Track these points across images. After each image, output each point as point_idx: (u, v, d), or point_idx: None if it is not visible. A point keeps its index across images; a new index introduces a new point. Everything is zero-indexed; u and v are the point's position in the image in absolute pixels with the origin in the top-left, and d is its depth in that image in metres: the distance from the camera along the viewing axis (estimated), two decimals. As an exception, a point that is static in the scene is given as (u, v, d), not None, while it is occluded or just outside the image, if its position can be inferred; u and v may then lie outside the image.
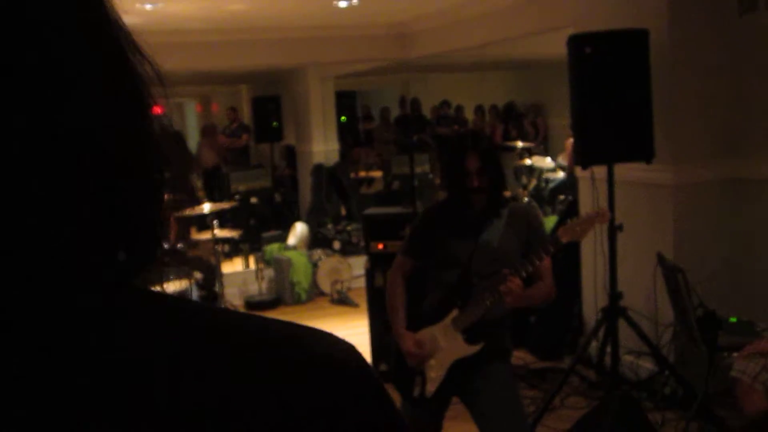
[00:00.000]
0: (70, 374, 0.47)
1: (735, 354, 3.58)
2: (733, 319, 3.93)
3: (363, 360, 0.56)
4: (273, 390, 0.51)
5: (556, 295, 2.99)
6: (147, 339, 0.50)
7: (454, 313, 2.89)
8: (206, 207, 5.88)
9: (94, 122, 0.48)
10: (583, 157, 4.10)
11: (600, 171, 4.16)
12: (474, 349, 2.86)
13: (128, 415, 0.47)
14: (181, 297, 0.56)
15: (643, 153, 4.04)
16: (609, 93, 3.96)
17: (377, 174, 11.20)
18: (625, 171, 4.25)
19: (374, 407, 0.55)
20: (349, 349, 0.56)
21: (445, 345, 2.89)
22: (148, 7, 6.42)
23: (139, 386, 0.48)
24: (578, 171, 4.77)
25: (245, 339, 0.53)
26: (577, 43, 4.01)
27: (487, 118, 13.92)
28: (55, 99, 0.46)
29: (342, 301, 7.15)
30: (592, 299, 4.67)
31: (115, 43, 0.51)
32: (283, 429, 0.50)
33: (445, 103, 14.08)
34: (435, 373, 2.90)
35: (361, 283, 5.64)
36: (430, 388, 2.89)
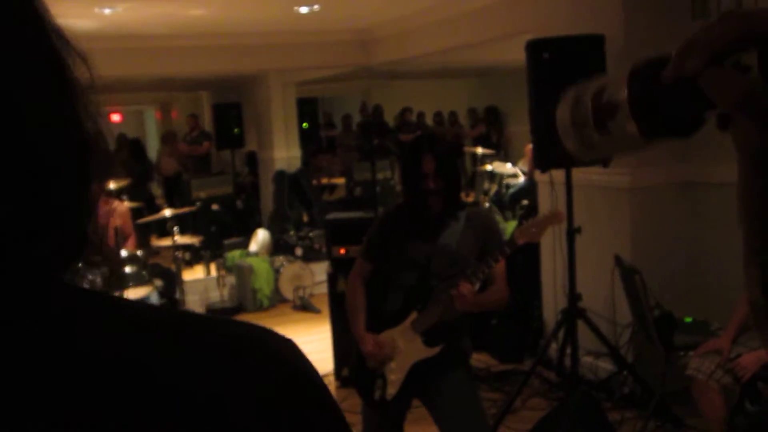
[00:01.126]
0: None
1: (691, 353, 3.65)
2: (689, 319, 4.01)
3: (302, 356, 0.56)
4: (222, 386, 0.50)
5: (509, 299, 3.01)
6: (79, 334, 0.49)
7: (413, 315, 2.90)
8: (167, 213, 5.83)
9: (18, 113, 0.47)
10: (542, 160, 4.15)
11: (559, 175, 4.21)
12: (433, 351, 2.87)
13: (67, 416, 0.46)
14: (115, 295, 0.56)
15: (601, 157, 4.10)
16: (567, 97, 4.01)
17: (339, 181, 11.21)
18: (583, 174, 4.31)
19: (319, 405, 0.55)
20: (289, 346, 0.56)
21: (404, 347, 2.90)
22: (107, 11, 6.35)
23: (77, 384, 0.47)
24: (537, 175, 4.83)
25: (189, 334, 0.53)
26: (535, 48, 4.07)
27: (446, 125, 14.06)
28: None
29: (304, 307, 7.13)
30: (552, 301, 4.72)
31: (47, 44, 0.50)
32: (236, 423, 0.49)
33: (407, 110, 14.15)
34: (395, 376, 2.90)
35: (324, 289, 5.63)
36: (391, 390, 2.90)
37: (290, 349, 0.56)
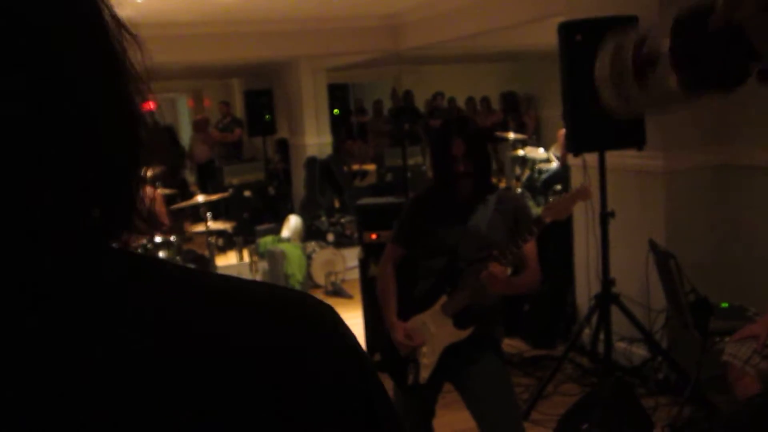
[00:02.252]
0: (50, 332, 0.49)
1: (727, 338, 3.60)
2: (725, 304, 3.95)
3: (339, 319, 0.59)
4: (268, 347, 0.53)
5: (542, 280, 2.99)
6: (127, 296, 0.52)
7: (443, 299, 2.89)
8: (200, 198, 5.87)
9: (75, 89, 0.51)
10: (574, 144, 4.11)
11: (592, 158, 4.17)
12: (464, 334, 2.87)
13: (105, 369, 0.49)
14: (167, 260, 0.58)
15: (635, 140, 4.05)
16: (600, 80, 3.96)
17: (371, 167, 11.20)
18: (616, 158, 4.26)
19: (353, 367, 0.57)
20: (328, 308, 0.59)
21: (435, 331, 2.90)
22: (139, -1, 6.40)
23: (123, 343, 0.50)
24: (570, 159, 4.78)
25: (231, 297, 0.56)
26: (567, 30, 4.02)
27: (479, 109, 13.92)
28: (37, 64, 0.49)
29: (336, 292, 7.15)
30: (585, 286, 4.68)
31: (101, 23, 0.54)
32: (265, 386, 0.52)
33: (438, 95, 14.07)
34: (428, 360, 2.90)
35: (355, 274, 5.65)
36: (424, 374, 2.90)
37: (331, 313, 0.59)
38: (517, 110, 13.70)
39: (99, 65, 0.53)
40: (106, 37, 0.54)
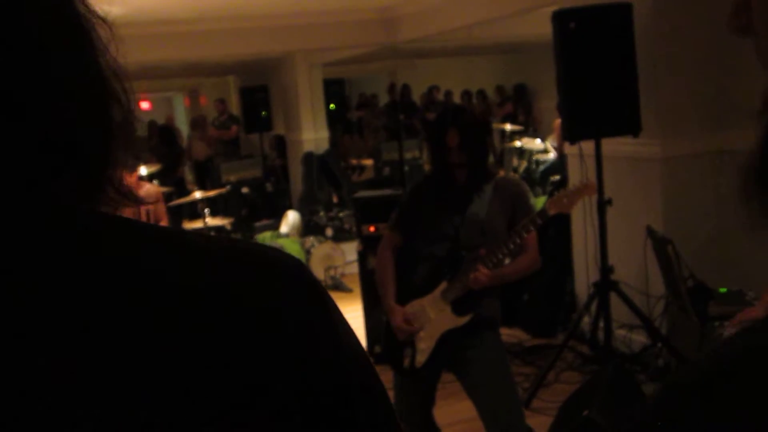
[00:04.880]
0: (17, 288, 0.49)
1: (726, 323, 3.61)
2: (723, 290, 3.96)
3: (305, 266, 0.60)
4: (238, 296, 0.54)
5: (540, 265, 3.00)
6: (93, 251, 0.52)
7: (443, 285, 2.91)
8: (197, 195, 5.88)
9: (47, 64, 0.52)
10: (570, 132, 4.11)
11: (588, 146, 4.17)
12: (463, 320, 2.88)
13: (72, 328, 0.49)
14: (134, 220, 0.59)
15: (631, 127, 4.05)
16: (595, 67, 3.96)
17: (368, 161, 11.21)
18: (612, 145, 4.26)
19: (316, 309, 0.58)
20: (293, 259, 0.60)
21: (434, 316, 2.91)
22: (133, -3, 6.39)
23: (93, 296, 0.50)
24: (566, 147, 4.79)
25: (201, 250, 0.57)
26: (561, 18, 4.02)
27: (475, 102, 13.93)
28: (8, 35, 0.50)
29: (336, 286, 7.15)
30: (584, 274, 4.69)
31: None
32: (227, 331, 0.53)
33: (434, 89, 14.08)
34: (425, 345, 2.92)
35: (354, 268, 5.65)
36: (420, 359, 2.92)
37: (296, 263, 0.60)
38: (527, 102, 13.71)
39: (66, 35, 0.53)
40: (71, 8, 0.55)
